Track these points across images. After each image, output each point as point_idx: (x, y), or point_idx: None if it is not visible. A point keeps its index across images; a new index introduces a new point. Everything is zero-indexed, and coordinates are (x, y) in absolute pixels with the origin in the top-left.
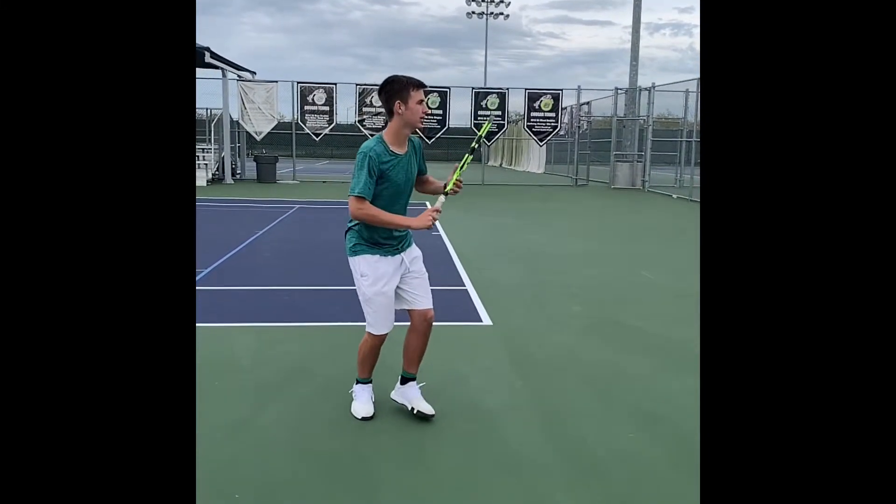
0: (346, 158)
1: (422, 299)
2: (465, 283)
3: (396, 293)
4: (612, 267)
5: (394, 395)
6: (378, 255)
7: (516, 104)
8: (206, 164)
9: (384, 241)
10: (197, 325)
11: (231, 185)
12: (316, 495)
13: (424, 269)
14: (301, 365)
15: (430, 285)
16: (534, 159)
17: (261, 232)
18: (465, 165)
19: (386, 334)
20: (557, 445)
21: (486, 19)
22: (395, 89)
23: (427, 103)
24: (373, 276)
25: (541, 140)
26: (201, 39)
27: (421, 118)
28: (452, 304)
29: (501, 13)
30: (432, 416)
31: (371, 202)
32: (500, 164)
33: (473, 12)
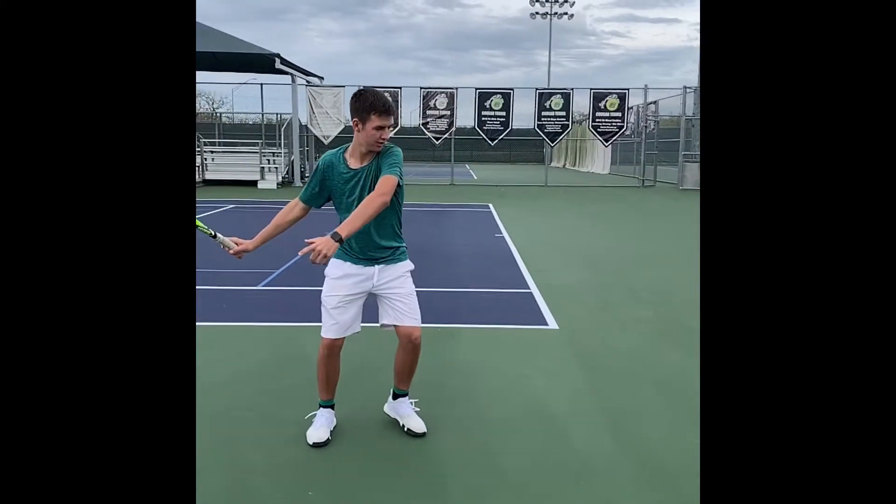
0: (408, 161)
1: (404, 317)
2: (530, 286)
3: (382, 309)
4: (680, 269)
5: (386, 408)
6: (343, 260)
7: (580, 104)
8: (276, 168)
9: (353, 249)
10: (270, 323)
11: (300, 187)
12: (385, 493)
13: (409, 289)
14: (367, 363)
15: (496, 287)
16: (598, 160)
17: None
18: (211, 234)
19: (334, 342)
20: (625, 450)
21: (550, 19)
22: (358, 107)
23: (387, 129)
24: (331, 276)
25: (606, 140)
26: (270, 46)
27: (378, 143)
28: (517, 307)
29: (566, 13)
30: (423, 434)
31: (338, 215)
32: (564, 165)
33: (537, 13)
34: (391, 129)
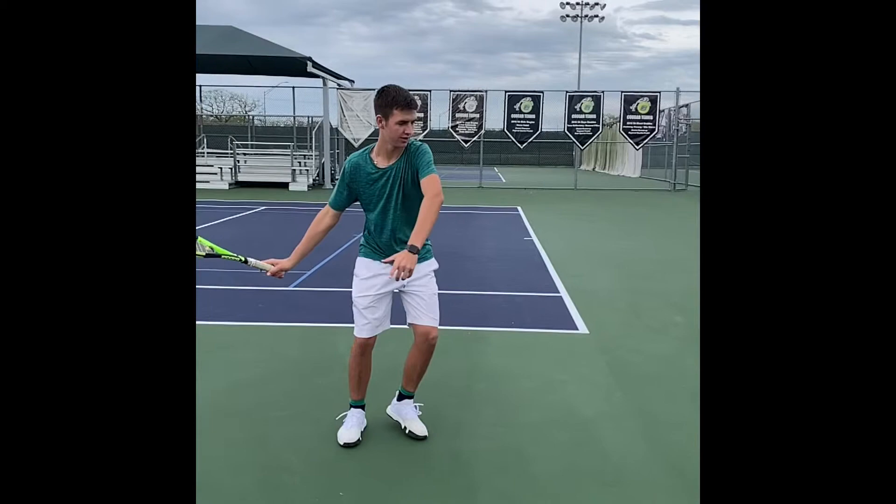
0: (437, 164)
1: (422, 316)
2: (560, 290)
3: (405, 307)
4: None
5: (389, 409)
6: (372, 260)
7: (611, 107)
8: (307, 170)
9: (380, 247)
10: (301, 324)
11: (330, 189)
12: (414, 495)
13: (433, 290)
14: (397, 365)
15: (525, 290)
16: (629, 163)
17: (358, 235)
18: (225, 255)
19: (367, 340)
20: (659, 457)
21: (581, 22)
22: (381, 104)
23: (411, 124)
24: (360, 276)
25: (637, 143)
26: (302, 49)
27: (402, 138)
28: (547, 311)
29: (596, 15)
30: (424, 437)
31: (365, 214)
32: (594, 168)
33: (567, 15)
34: (415, 123)
